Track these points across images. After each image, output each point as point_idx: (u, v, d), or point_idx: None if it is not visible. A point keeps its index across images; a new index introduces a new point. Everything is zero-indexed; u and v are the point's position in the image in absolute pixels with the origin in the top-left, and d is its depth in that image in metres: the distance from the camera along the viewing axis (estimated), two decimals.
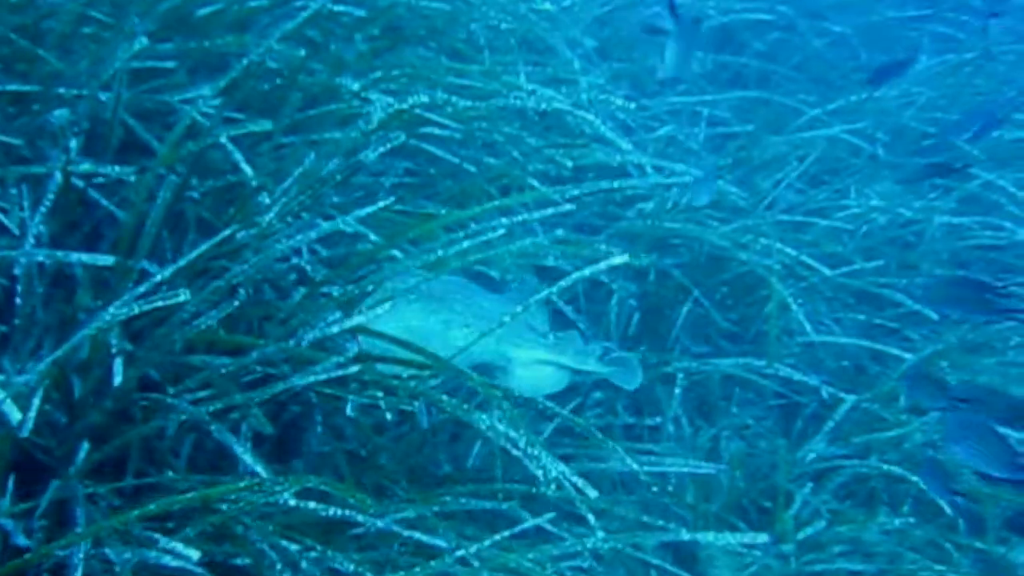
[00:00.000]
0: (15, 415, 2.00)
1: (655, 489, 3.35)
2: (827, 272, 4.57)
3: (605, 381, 4.57)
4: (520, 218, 3.01)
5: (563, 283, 2.62)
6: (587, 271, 2.62)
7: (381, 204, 2.60)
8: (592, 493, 2.63)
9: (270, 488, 2.03)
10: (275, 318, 2.81)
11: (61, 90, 3.12)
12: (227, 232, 2.43)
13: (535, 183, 4.18)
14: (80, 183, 2.93)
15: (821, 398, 4.26)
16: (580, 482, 2.63)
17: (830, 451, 3.87)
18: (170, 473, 2.56)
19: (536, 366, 3.05)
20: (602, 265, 2.62)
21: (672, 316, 4.59)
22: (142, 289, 2.25)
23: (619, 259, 2.64)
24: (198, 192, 3.23)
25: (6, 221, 2.91)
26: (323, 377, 2.32)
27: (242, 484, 2.02)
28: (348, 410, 2.72)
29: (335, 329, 2.30)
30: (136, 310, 2.13)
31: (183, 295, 2.10)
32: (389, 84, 3.68)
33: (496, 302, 3.11)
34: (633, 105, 4.02)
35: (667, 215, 4.76)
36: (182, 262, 2.31)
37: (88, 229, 2.92)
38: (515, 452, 2.62)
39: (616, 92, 4.54)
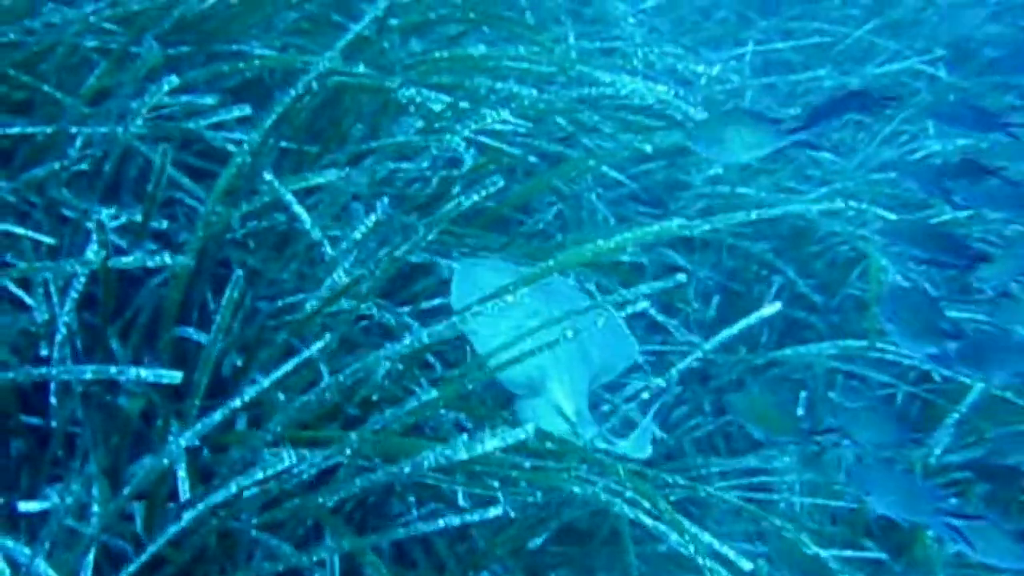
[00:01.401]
0: None
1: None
2: None
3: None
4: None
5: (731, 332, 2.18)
6: (736, 328, 2.19)
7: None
8: (747, 566, 2.27)
9: None
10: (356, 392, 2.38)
11: (73, 129, 2.62)
12: (318, 344, 1.97)
13: (605, 169, 3.72)
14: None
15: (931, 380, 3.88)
16: (732, 553, 2.27)
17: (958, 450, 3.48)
18: None
19: (551, 411, 2.58)
20: (752, 318, 2.19)
21: (756, 295, 4.16)
22: (217, 417, 1.82)
23: (771, 309, 2.21)
24: (240, 233, 2.78)
25: (27, 299, 2.45)
26: (456, 522, 1.90)
27: None
28: (460, 499, 2.32)
29: (463, 456, 1.86)
30: (234, 488, 1.70)
31: (288, 459, 1.66)
32: (442, 77, 3.18)
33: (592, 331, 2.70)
34: (716, 70, 3.54)
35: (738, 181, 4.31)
36: (266, 382, 1.86)
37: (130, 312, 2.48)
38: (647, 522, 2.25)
39: (686, 55, 4.02)
